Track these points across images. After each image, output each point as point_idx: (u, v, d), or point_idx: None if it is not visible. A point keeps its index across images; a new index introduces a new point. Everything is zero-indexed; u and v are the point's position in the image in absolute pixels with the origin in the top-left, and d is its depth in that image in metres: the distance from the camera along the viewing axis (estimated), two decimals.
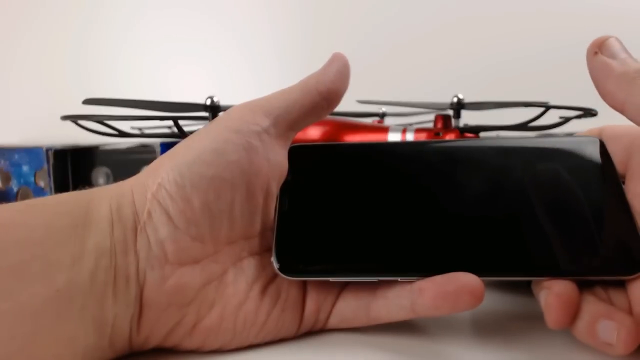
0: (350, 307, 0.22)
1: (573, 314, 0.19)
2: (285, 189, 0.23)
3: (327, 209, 0.23)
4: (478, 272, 0.20)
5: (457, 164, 0.23)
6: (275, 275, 0.22)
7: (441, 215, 0.22)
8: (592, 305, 0.19)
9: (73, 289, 0.18)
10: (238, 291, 0.21)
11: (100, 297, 0.18)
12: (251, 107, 0.22)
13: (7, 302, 0.16)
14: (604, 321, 0.18)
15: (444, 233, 0.22)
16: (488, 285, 0.27)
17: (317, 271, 0.21)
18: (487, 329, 0.23)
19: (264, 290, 0.22)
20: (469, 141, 0.25)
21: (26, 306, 0.17)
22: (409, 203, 0.23)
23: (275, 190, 0.22)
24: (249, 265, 0.22)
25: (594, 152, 0.23)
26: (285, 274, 0.21)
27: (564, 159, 0.23)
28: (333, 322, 0.22)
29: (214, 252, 0.21)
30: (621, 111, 0.21)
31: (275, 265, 0.21)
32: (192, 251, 0.20)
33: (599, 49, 0.22)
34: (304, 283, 0.22)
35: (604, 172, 0.22)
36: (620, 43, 0.22)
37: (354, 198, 0.23)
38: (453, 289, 0.19)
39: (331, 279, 0.22)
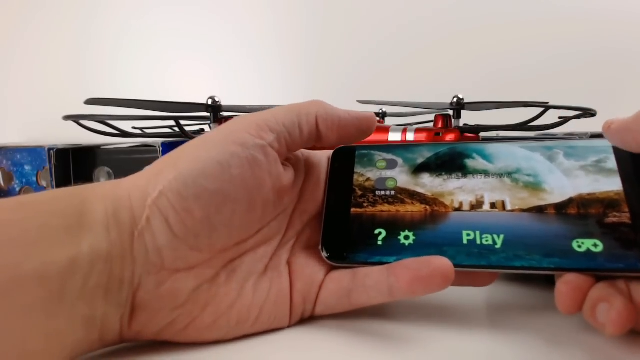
0: (333, 295, 0.23)
1: (581, 301, 0.20)
2: (332, 187, 0.26)
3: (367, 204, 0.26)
4: (499, 266, 0.21)
5: (486, 162, 0.25)
6: (265, 270, 0.23)
7: (462, 211, 0.24)
8: (596, 291, 0.20)
9: (65, 290, 0.18)
10: (230, 290, 0.21)
11: (90, 297, 0.18)
12: (257, 121, 0.22)
13: None
14: (601, 304, 0.19)
15: (466, 227, 0.23)
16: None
17: (359, 258, 0.23)
18: (496, 318, 0.23)
19: (255, 286, 0.22)
20: (490, 142, 0.26)
21: (18, 305, 0.17)
22: (443, 196, 0.24)
23: (272, 198, 0.23)
24: (240, 265, 0.22)
25: (608, 153, 0.24)
26: (333, 262, 0.24)
27: (582, 159, 0.24)
28: (319, 310, 0.23)
29: (209, 259, 0.21)
30: None
31: (324, 255, 0.24)
32: (188, 259, 0.20)
33: (611, 123, 0.22)
34: (289, 276, 0.23)
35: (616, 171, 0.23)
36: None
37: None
38: (427, 272, 0.20)
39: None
